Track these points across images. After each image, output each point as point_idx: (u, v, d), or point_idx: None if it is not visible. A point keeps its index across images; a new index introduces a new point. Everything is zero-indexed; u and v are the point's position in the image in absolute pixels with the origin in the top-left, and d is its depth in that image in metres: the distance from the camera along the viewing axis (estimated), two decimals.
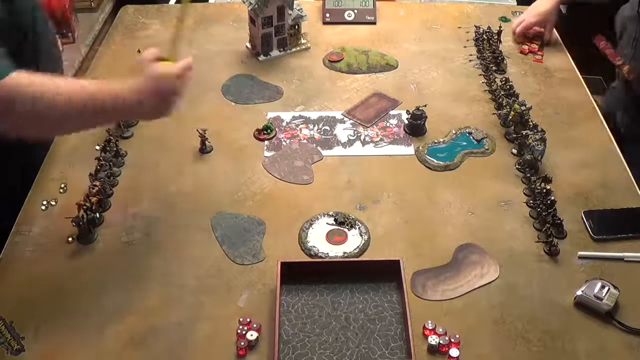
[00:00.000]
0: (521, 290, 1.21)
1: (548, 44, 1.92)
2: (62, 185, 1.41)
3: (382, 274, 1.22)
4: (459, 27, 2.01)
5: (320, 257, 1.27)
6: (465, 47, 1.91)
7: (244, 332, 1.12)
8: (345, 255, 1.28)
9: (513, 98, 1.63)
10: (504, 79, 1.71)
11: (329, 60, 1.86)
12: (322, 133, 1.60)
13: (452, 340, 1.11)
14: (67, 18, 2.35)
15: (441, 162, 1.50)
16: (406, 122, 1.60)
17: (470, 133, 1.58)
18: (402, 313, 1.15)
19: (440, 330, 1.12)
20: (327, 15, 2.04)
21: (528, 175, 1.42)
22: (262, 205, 1.39)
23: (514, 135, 1.55)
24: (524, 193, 1.42)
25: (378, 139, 1.58)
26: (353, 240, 1.31)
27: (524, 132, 1.49)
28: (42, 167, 1.47)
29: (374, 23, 2.04)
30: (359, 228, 1.33)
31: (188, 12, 2.06)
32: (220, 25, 2.02)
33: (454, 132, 1.59)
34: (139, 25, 2.01)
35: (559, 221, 1.32)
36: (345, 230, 1.33)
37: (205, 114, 1.65)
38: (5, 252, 1.27)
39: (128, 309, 1.17)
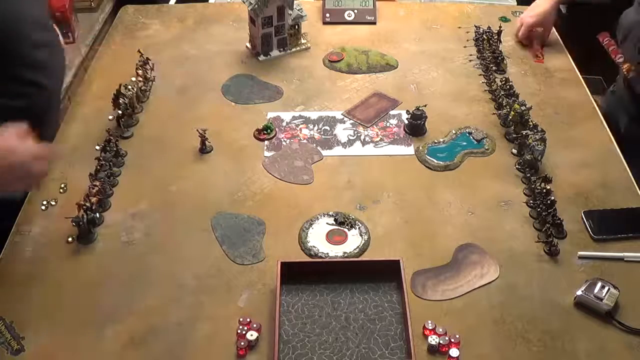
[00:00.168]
0: (521, 290, 1.21)
1: (547, 44, 1.92)
2: (62, 185, 1.42)
3: (382, 274, 1.22)
4: (459, 27, 2.01)
5: (320, 257, 1.27)
6: (465, 47, 1.91)
7: (244, 332, 1.12)
8: (345, 255, 1.28)
9: (513, 98, 1.63)
10: (504, 79, 1.71)
11: (329, 60, 1.86)
12: (322, 133, 1.60)
13: (452, 340, 1.11)
14: (67, 18, 2.35)
15: (441, 162, 1.50)
16: (406, 122, 1.60)
17: (470, 133, 1.58)
18: (402, 313, 1.15)
19: (440, 330, 1.12)
20: (327, 15, 2.04)
21: (528, 175, 1.42)
22: (262, 205, 1.39)
23: (514, 135, 1.55)
24: (524, 193, 1.42)
25: (378, 139, 1.58)
26: (353, 240, 1.31)
27: (524, 132, 1.49)
28: None
29: (374, 23, 2.04)
30: (359, 228, 1.33)
31: (188, 13, 2.07)
32: (220, 25, 2.02)
33: (454, 132, 1.59)
34: (139, 25, 2.01)
35: (559, 221, 1.32)
36: (345, 230, 1.33)
37: (205, 114, 1.65)
38: (5, 252, 1.27)
39: (128, 309, 1.18)
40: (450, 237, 1.32)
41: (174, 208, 1.38)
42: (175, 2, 2.37)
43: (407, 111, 1.59)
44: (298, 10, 1.84)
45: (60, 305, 1.18)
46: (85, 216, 1.28)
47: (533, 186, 1.38)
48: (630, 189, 1.43)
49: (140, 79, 1.68)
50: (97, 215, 1.33)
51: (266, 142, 1.56)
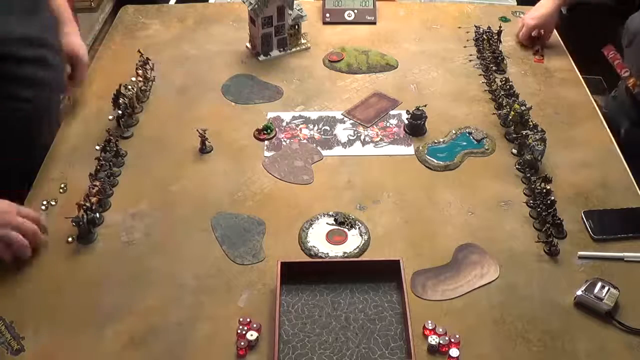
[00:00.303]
0: (521, 290, 1.21)
1: (548, 44, 1.92)
2: (62, 185, 1.41)
3: (382, 274, 1.22)
4: (459, 27, 2.01)
5: (320, 257, 1.27)
6: (465, 47, 1.91)
7: (244, 332, 1.11)
8: (345, 255, 1.28)
9: (513, 98, 1.63)
10: (504, 79, 1.71)
11: (329, 60, 1.86)
12: (322, 133, 1.60)
13: (452, 340, 1.11)
14: None
15: (441, 162, 1.50)
16: (406, 122, 1.60)
17: (470, 133, 1.58)
18: (402, 313, 1.15)
19: (440, 330, 1.12)
20: (327, 15, 2.04)
21: (528, 175, 1.42)
22: (262, 205, 1.39)
23: (514, 135, 1.55)
24: (524, 193, 1.42)
25: (378, 139, 1.58)
26: (353, 240, 1.31)
27: (524, 132, 1.49)
28: (42, 167, 1.47)
29: (374, 23, 2.04)
30: (359, 228, 1.33)
31: (188, 13, 2.07)
32: (220, 25, 2.02)
33: (454, 132, 1.59)
34: (139, 25, 2.01)
35: (559, 221, 1.32)
36: (345, 230, 1.33)
37: (205, 114, 1.65)
38: None
39: (128, 309, 1.18)
40: (450, 237, 1.32)
41: (174, 208, 1.38)
42: (175, 2, 2.37)
43: (407, 111, 1.59)
44: (298, 10, 1.84)
45: (60, 305, 1.18)
46: (85, 216, 1.28)
47: (533, 186, 1.38)
48: (630, 189, 1.43)
49: (140, 79, 1.68)
50: (97, 215, 1.33)
51: (266, 142, 1.56)
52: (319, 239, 1.31)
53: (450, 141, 1.56)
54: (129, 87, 1.62)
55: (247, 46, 1.91)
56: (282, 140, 1.57)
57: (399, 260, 1.21)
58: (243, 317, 1.15)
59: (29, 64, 1.43)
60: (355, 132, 1.60)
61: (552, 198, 1.33)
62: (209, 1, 2.26)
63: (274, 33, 1.84)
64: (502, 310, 1.18)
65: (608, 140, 1.57)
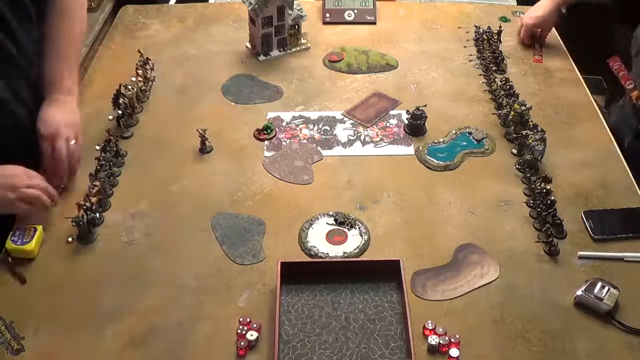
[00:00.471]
0: (521, 290, 1.21)
1: (547, 44, 1.91)
2: (62, 186, 1.41)
3: (382, 274, 1.22)
4: (459, 27, 2.01)
5: (320, 257, 1.27)
6: (465, 47, 1.91)
7: (244, 332, 1.12)
8: (345, 255, 1.28)
9: (513, 98, 1.63)
10: (504, 79, 1.71)
11: (329, 60, 1.86)
12: (322, 133, 1.60)
13: (452, 340, 1.11)
14: None
15: (441, 162, 1.50)
16: (406, 122, 1.60)
17: (470, 133, 1.58)
18: (402, 313, 1.15)
19: (440, 330, 1.12)
20: (327, 15, 2.04)
21: (528, 175, 1.42)
22: (262, 205, 1.39)
23: (514, 135, 1.55)
24: (524, 193, 1.42)
25: (378, 139, 1.58)
26: (353, 240, 1.31)
27: (524, 132, 1.49)
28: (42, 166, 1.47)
29: (374, 23, 2.03)
30: (359, 228, 1.33)
31: (187, 13, 2.07)
32: (220, 25, 2.02)
33: (454, 132, 1.59)
34: (139, 25, 2.01)
35: (559, 221, 1.32)
36: (345, 230, 1.33)
37: (205, 114, 1.65)
38: (5, 252, 1.27)
39: (128, 309, 1.18)
40: (450, 237, 1.32)
41: (174, 208, 1.38)
42: (175, 2, 2.37)
43: (407, 111, 1.59)
44: (298, 10, 1.84)
45: (60, 305, 1.18)
46: (85, 216, 1.28)
47: (533, 186, 1.38)
48: (630, 189, 1.43)
49: (140, 79, 1.68)
50: (97, 215, 1.33)
51: (266, 142, 1.56)
52: (319, 239, 1.31)
53: (450, 141, 1.56)
54: (129, 87, 1.62)
55: (247, 46, 1.91)
56: (282, 140, 1.57)
57: (399, 260, 1.21)
58: (243, 317, 1.15)
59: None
60: (355, 132, 1.60)
61: (552, 198, 1.33)
62: (209, 1, 2.26)
63: (274, 33, 1.84)
64: (502, 310, 1.18)
65: (608, 140, 1.57)
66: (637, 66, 1.71)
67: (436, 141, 1.56)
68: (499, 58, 1.82)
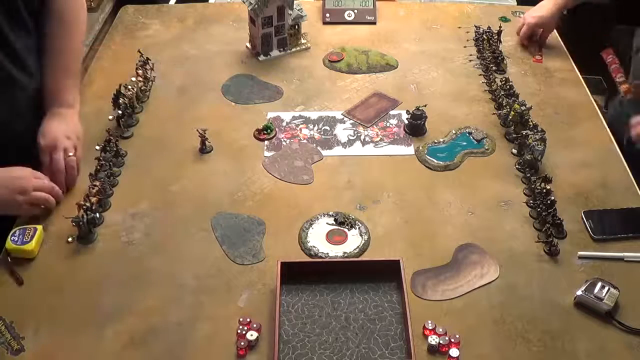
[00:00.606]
0: (521, 290, 1.21)
1: (547, 44, 1.91)
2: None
3: (382, 274, 1.22)
4: (459, 27, 2.01)
5: (320, 257, 1.27)
6: (465, 47, 1.91)
7: (244, 332, 1.12)
8: (345, 255, 1.28)
9: (513, 98, 1.63)
10: (504, 79, 1.71)
11: (329, 60, 1.86)
12: (322, 133, 1.60)
13: (452, 340, 1.11)
14: None
15: (441, 162, 1.50)
16: (406, 122, 1.60)
17: (470, 133, 1.58)
18: (402, 313, 1.15)
19: (440, 330, 1.12)
20: (327, 15, 2.04)
21: (528, 175, 1.42)
22: (262, 205, 1.39)
23: (514, 135, 1.55)
24: (524, 193, 1.42)
25: (378, 139, 1.58)
26: (353, 240, 1.31)
27: (524, 132, 1.49)
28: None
29: (374, 23, 2.04)
30: (359, 228, 1.33)
31: (187, 13, 2.07)
32: (220, 25, 2.02)
33: (454, 132, 1.59)
34: (139, 25, 2.01)
35: (559, 221, 1.32)
36: (345, 230, 1.33)
37: (205, 114, 1.65)
38: (5, 252, 1.27)
39: (128, 309, 1.18)
40: (450, 237, 1.32)
41: (174, 208, 1.38)
42: (175, 2, 2.37)
43: (407, 111, 1.59)
44: (298, 10, 1.84)
45: (60, 305, 1.18)
46: (85, 216, 1.28)
47: (533, 186, 1.38)
48: (630, 189, 1.43)
49: (140, 79, 1.68)
50: (97, 215, 1.33)
51: (266, 142, 1.56)
52: (319, 239, 1.31)
53: (450, 141, 1.56)
54: (129, 87, 1.62)
55: (247, 46, 1.91)
56: (282, 140, 1.57)
57: (399, 260, 1.21)
58: (243, 317, 1.15)
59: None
60: (355, 132, 1.60)
61: (552, 198, 1.33)
62: (209, 1, 2.26)
63: (274, 33, 1.84)
64: (502, 310, 1.18)
65: (608, 140, 1.57)
66: (636, 64, 1.71)
67: (436, 141, 1.56)
68: (499, 58, 1.82)
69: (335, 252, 1.28)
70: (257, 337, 1.12)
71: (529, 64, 1.85)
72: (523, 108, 1.54)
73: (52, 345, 1.12)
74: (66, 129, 1.42)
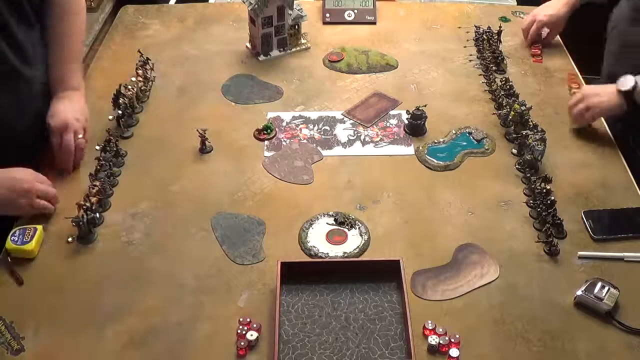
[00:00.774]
0: (521, 290, 1.21)
1: (547, 45, 1.91)
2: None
3: (382, 274, 1.22)
4: (459, 27, 2.01)
5: (320, 257, 1.27)
6: (465, 47, 1.91)
7: (244, 332, 1.12)
8: (345, 255, 1.28)
9: (513, 98, 1.63)
10: (504, 79, 1.71)
11: (329, 60, 1.86)
12: (322, 133, 1.60)
13: (452, 340, 1.11)
14: None
15: (441, 162, 1.50)
16: (406, 122, 1.60)
17: (470, 133, 1.58)
18: (402, 313, 1.15)
19: (440, 330, 1.12)
20: (327, 15, 2.04)
21: (528, 175, 1.42)
22: (262, 205, 1.39)
23: (514, 135, 1.55)
24: (524, 193, 1.42)
25: (378, 139, 1.58)
26: (353, 240, 1.31)
27: (524, 132, 1.49)
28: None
29: (374, 23, 2.03)
30: (359, 228, 1.33)
31: (187, 13, 2.07)
32: (220, 25, 2.02)
33: (454, 132, 1.59)
34: (139, 25, 2.01)
35: (559, 221, 1.32)
36: (345, 230, 1.33)
37: (205, 114, 1.65)
38: (5, 252, 1.27)
39: (128, 309, 1.18)
40: (450, 237, 1.32)
41: (174, 208, 1.38)
42: (175, 2, 2.37)
43: (407, 111, 1.59)
44: (298, 10, 1.84)
45: (60, 305, 1.18)
46: (85, 216, 1.28)
47: (533, 186, 1.38)
48: (630, 189, 1.43)
49: (140, 79, 1.68)
50: (97, 215, 1.33)
51: (266, 142, 1.56)
52: (319, 239, 1.31)
53: (450, 141, 1.56)
54: (129, 87, 1.62)
55: (247, 46, 1.91)
56: (282, 140, 1.57)
57: (399, 260, 1.21)
58: (243, 317, 1.15)
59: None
60: (355, 132, 1.60)
61: (552, 198, 1.33)
62: (209, 1, 2.26)
63: (274, 33, 1.84)
64: (502, 310, 1.18)
65: (608, 140, 1.57)
66: (610, 42, 1.76)
67: (436, 141, 1.56)
68: (499, 58, 1.82)
69: (335, 252, 1.28)
70: (257, 337, 1.12)
71: (529, 64, 1.85)
72: (523, 108, 1.54)
73: (52, 345, 1.12)
74: (74, 110, 1.46)
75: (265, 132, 1.58)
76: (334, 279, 1.22)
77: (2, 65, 1.37)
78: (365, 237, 1.31)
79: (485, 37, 1.89)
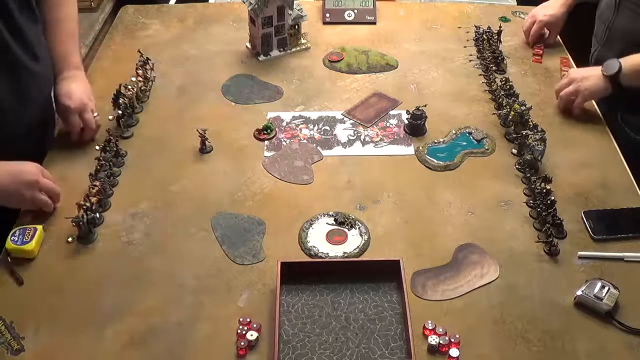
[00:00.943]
0: (521, 290, 1.21)
1: (547, 45, 1.92)
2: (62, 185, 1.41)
3: (382, 274, 1.22)
4: (459, 27, 2.01)
5: (320, 257, 1.27)
6: (465, 47, 1.91)
7: (244, 332, 1.12)
8: (345, 255, 1.28)
9: (513, 98, 1.63)
10: (504, 79, 1.71)
11: (329, 60, 1.86)
12: (322, 133, 1.60)
13: (452, 340, 1.11)
14: None
15: (441, 162, 1.50)
16: (406, 122, 1.60)
17: (470, 133, 1.58)
18: (402, 313, 1.15)
19: (440, 330, 1.12)
20: (327, 15, 2.04)
21: (528, 175, 1.42)
22: (262, 205, 1.39)
23: (514, 135, 1.55)
24: (524, 193, 1.42)
25: (378, 139, 1.58)
26: (353, 240, 1.31)
27: (524, 132, 1.49)
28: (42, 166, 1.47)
29: (374, 23, 2.04)
30: (359, 228, 1.33)
31: (187, 13, 2.07)
32: (220, 25, 2.02)
33: (454, 132, 1.59)
34: (139, 25, 2.01)
35: (559, 221, 1.32)
36: (345, 230, 1.33)
37: (205, 114, 1.65)
38: (5, 252, 1.27)
39: (128, 309, 1.18)
40: (450, 237, 1.32)
41: (174, 208, 1.38)
42: (175, 2, 2.37)
43: (407, 111, 1.59)
44: (298, 10, 1.84)
45: (60, 305, 1.18)
46: (85, 216, 1.28)
47: (533, 186, 1.38)
48: (630, 189, 1.43)
49: (140, 79, 1.68)
50: (97, 215, 1.33)
51: (266, 142, 1.56)
52: (319, 239, 1.31)
53: (450, 141, 1.56)
54: (129, 87, 1.62)
55: (247, 46, 1.91)
56: (282, 140, 1.57)
57: (399, 260, 1.21)
58: (243, 317, 1.15)
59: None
60: (355, 132, 1.60)
61: (552, 198, 1.33)
62: (209, 1, 2.26)
63: (274, 33, 1.84)
64: (502, 310, 1.18)
65: (608, 140, 1.57)
66: (597, 28, 1.81)
67: (436, 141, 1.56)
68: (499, 58, 1.82)
69: (335, 252, 1.28)
70: (257, 337, 1.12)
71: (529, 64, 1.85)
72: (523, 108, 1.54)
73: (52, 345, 1.12)
74: (85, 90, 1.53)
75: (265, 132, 1.58)
76: (334, 279, 1.22)
77: (6, 56, 1.38)
78: (365, 237, 1.31)
79: (485, 37, 1.89)
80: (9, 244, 1.25)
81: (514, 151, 1.53)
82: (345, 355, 1.10)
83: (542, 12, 1.89)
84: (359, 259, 1.27)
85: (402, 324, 1.14)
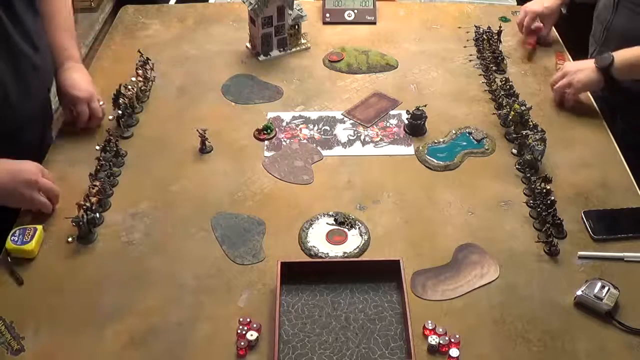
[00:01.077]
0: (521, 290, 1.21)
1: (547, 44, 1.92)
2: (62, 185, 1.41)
3: (382, 274, 1.22)
4: (459, 27, 2.01)
5: (320, 257, 1.27)
6: (465, 47, 1.91)
7: (244, 332, 1.12)
8: (345, 255, 1.28)
9: (513, 98, 1.63)
10: (504, 79, 1.71)
11: (329, 60, 1.86)
12: (322, 133, 1.60)
13: (452, 340, 1.11)
14: None
15: (441, 162, 1.50)
16: (406, 122, 1.60)
17: (470, 133, 1.58)
18: (402, 313, 1.16)
19: (440, 330, 1.12)
20: (327, 15, 2.04)
21: (528, 175, 1.42)
22: (262, 205, 1.39)
23: (514, 135, 1.55)
24: (524, 193, 1.42)
25: (378, 139, 1.58)
26: (353, 240, 1.31)
27: (524, 132, 1.49)
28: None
29: (374, 23, 2.04)
30: (359, 228, 1.33)
31: (187, 13, 2.07)
32: (220, 25, 2.02)
33: (454, 132, 1.59)
34: (139, 25, 2.01)
35: (559, 221, 1.32)
36: (345, 230, 1.33)
37: (205, 114, 1.65)
38: (5, 252, 1.27)
39: (128, 309, 1.18)
40: (450, 237, 1.32)
41: (174, 208, 1.38)
42: (175, 2, 2.37)
43: (407, 111, 1.59)
44: (298, 10, 1.84)
45: (60, 305, 1.18)
46: (85, 216, 1.28)
47: (533, 186, 1.38)
48: (630, 189, 1.43)
49: (140, 79, 1.68)
50: (97, 215, 1.33)
51: (266, 142, 1.56)
52: (319, 239, 1.31)
53: (450, 141, 1.56)
54: (129, 87, 1.62)
55: (247, 46, 1.91)
56: (282, 140, 1.57)
57: (399, 260, 1.21)
58: (243, 317, 1.15)
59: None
60: (355, 132, 1.60)
61: (552, 198, 1.33)
62: (209, 1, 2.26)
63: (274, 33, 1.84)
64: (502, 310, 1.18)
65: (608, 140, 1.57)
66: (595, 28, 1.82)
67: (436, 141, 1.56)
68: (499, 58, 1.82)
69: (335, 252, 1.28)
70: (257, 337, 1.12)
71: (529, 64, 1.85)
72: (523, 108, 1.54)
73: (52, 345, 1.12)
74: (88, 80, 1.56)
75: (265, 132, 1.58)
76: (334, 279, 1.22)
77: (6, 43, 1.38)
78: (365, 237, 1.31)
79: (485, 37, 1.89)
80: (9, 244, 1.25)
81: (514, 151, 1.53)
82: (345, 355, 1.10)
83: (532, 4, 1.89)
84: (359, 259, 1.27)
85: (402, 324, 1.14)
